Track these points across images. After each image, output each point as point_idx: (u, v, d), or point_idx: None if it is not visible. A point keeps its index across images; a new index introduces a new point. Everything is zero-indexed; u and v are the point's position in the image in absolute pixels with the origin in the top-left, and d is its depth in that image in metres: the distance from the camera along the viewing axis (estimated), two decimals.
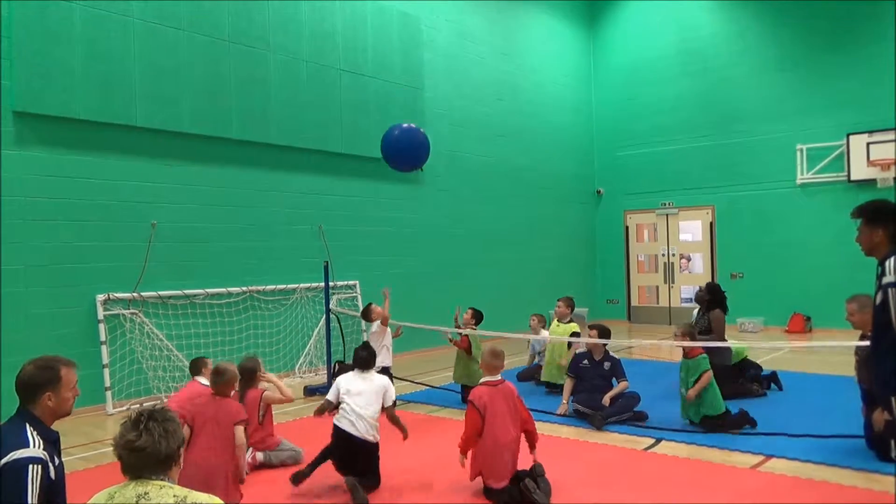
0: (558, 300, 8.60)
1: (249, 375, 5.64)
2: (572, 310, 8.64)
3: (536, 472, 4.69)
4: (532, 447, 4.89)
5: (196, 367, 6.13)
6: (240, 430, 4.49)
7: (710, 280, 13.72)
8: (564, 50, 15.76)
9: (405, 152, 7.16)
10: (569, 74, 15.85)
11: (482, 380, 4.94)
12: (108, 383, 7.74)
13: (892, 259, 3.53)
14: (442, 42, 12.44)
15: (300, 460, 5.50)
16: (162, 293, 8.33)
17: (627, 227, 16.16)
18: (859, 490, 4.66)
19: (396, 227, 11.47)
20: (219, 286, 8.88)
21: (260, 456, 5.49)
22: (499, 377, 4.90)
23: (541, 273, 14.45)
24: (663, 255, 15.61)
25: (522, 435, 4.86)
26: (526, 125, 14.38)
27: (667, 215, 15.46)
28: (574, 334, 8.17)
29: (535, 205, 14.56)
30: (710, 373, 6.28)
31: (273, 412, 5.80)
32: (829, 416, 6.55)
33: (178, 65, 8.50)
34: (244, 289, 9.13)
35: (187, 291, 8.55)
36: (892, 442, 5.18)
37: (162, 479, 2.23)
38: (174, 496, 2.18)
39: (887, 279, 3.52)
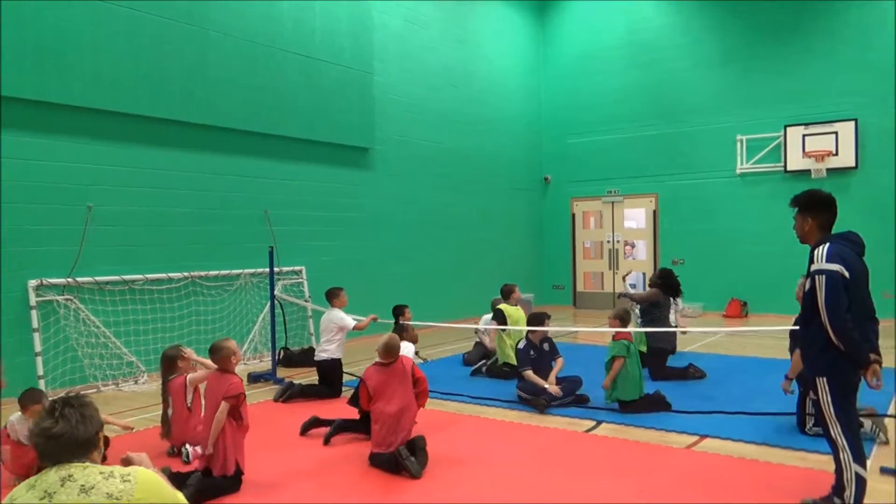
0: (513, 286, 9.00)
1: (170, 363, 5.56)
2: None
3: (417, 445, 5.01)
4: (418, 404, 5.28)
5: (24, 402, 4.85)
6: (223, 405, 4.60)
7: (656, 265, 14.17)
8: (516, 38, 15.81)
9: None
10: (519, 63, 15.92)
11: (376, 360, 5.32)
12: (40, 372, 7.45)
13: (821, 247, 3.70)
14: (393, 27, 12.31)
15: None
16: (98, 278, 8.07)
17: (574, 214, 16.40)
18: (787, 467, 4.87)
19: (345, 213, 11.38)
20: (159, 271, 8.65)
21: (199, 449, 5.29)
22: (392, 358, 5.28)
23: (489, 259, 14.57)
24: (608, 241, 15.91)
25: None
26: (477, 112, 14.40)
27: (612, 203, 15.75)
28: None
29: (485, 191, 14.64)
30: (621, 360, 6.49)
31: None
32: (762, 397, 6.82)
33: (119, 42, 8.17)
34: (186, 274, 8.92)
35: (126, 277, 8.31)
36: (808, 417, 5.64)
37: (83, 463, 2.19)
38: (100, 472, 2.16)
39: (815, 266, 3.68)
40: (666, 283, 8.44)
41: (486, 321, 9.28)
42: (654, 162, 15.08)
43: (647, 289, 9.16)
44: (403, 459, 4.84)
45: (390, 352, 5.25)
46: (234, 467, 4.60)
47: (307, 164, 10.71)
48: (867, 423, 5.80)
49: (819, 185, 12.82)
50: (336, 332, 7.39)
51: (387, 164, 12.17)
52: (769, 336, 10.60)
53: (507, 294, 8.93)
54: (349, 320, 7.41)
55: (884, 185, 12.54)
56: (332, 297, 7.62)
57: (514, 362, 7.95)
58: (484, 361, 8.74)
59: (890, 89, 12.51)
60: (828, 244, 3.71)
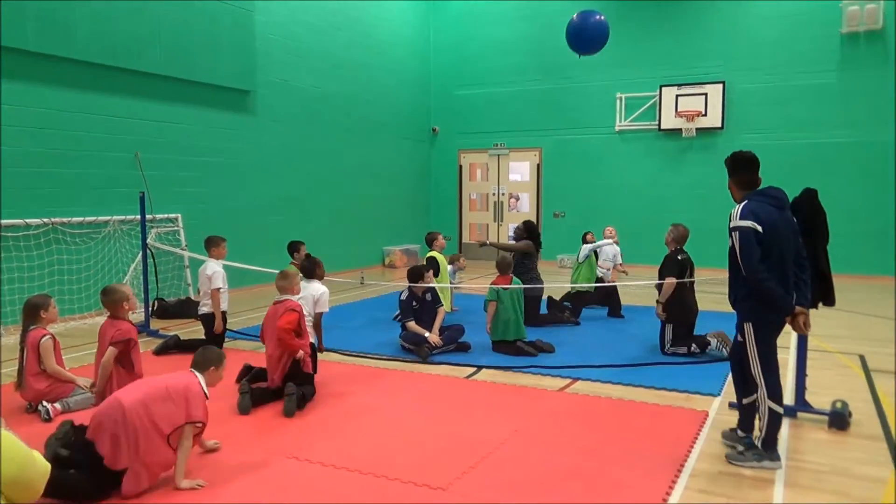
0: (435, 234, 9.23)
1: (32, 312, 5.18)
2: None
3: (285, 391, 5.11)
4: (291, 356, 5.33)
5: None
6: (110, 350, 4.78)
7: (539, 218, 14.54)
8: None
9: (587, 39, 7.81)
10: (408, 9, 15.62)
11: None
12: None
13: (738, 207, 4.03)
14: None
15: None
16: None
17: (461, 166, 16.54)
18: (648, 405, 5.25)
19: (224, 158, 10.87)
20: (13, 217, 7.94)
21: (58, 406, 5.00)
22: (283, 297, 5.51)
23: (375, 208, 14.48)
24: (494, 194, 16.21)
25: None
26: (364, 58, 14.06)
27: (498, 156, 16.01)
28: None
29: (372, 140, 14.43)
30: (493, 304, 6.89)
31: (63, 355, 5.32)
32: (630, 341, 7.32)
33: None
34: (45, 220, 8.24)
35: None
36: (666, 342, 6.70)
37: None
38: None
39: (731, 224, 4.02)
40: (532, 236, 8.70)
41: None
42: (539, 117, 15.40)
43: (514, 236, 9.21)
44: (240, 392, 5.13)
45: (284, 277, 5.56)
46: None
47: (183, 105, 10.09)
48: (713, 340, 6.57)
49: (689, 144, 13.62)
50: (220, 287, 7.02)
51: (269, 108, 11.69)
52: (638, 286, 11.25)
53: (430, 241, 9.04)
54: (218, 289, 6.86)
55: (746, 145, 13.32)
56: (210, 245, 7.11)
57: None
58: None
59: (754, 55, 13.37)
60: (744, 203, 4.03)
